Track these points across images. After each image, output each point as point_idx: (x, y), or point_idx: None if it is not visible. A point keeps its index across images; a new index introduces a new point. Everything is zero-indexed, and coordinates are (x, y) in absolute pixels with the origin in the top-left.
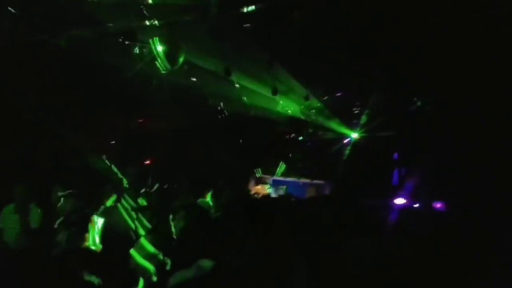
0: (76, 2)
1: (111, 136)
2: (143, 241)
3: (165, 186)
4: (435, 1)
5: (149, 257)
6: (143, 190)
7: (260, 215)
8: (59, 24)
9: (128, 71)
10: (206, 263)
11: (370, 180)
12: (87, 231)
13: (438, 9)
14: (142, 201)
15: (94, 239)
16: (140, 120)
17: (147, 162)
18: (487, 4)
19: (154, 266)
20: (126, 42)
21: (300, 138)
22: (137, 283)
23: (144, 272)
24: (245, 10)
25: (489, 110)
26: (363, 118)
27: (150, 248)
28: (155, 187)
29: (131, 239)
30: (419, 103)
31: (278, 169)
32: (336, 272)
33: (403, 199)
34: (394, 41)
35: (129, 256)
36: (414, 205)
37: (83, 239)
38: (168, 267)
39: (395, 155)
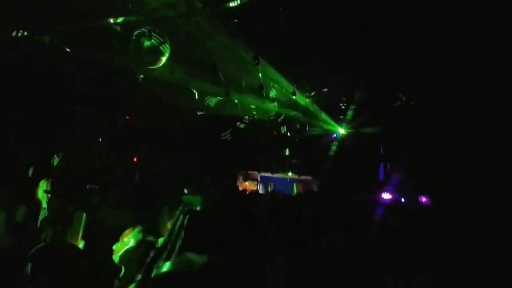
0: None
1: (98, 134)
2: (127, 236)
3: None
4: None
5: (133, 251)
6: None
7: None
8: (43, 21)
9: (113, 68)
10: (190, 257)
11: (356, 176)
12: (71, 228)
13: (423, 6)
14: (127, 198)
15: (78, 236)
16: (127, 118)
17: (135, 160)
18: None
19: (138, 260)
20: (111, 38)
21: (288, 134)
22: (120, 277)
23: (127, 266)
24: (230, 5)
25: (474, 105)
26: (349, 114)
27: (134, 243)
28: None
29: (116, 235)
30: (404, 99)
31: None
32: (315, 267)
33: (389, 194)
34: (380, 38)
35: (113, 251)
36: (400, 200)
37: (67, 236)
38: (152, 261)
39: (381, 150)
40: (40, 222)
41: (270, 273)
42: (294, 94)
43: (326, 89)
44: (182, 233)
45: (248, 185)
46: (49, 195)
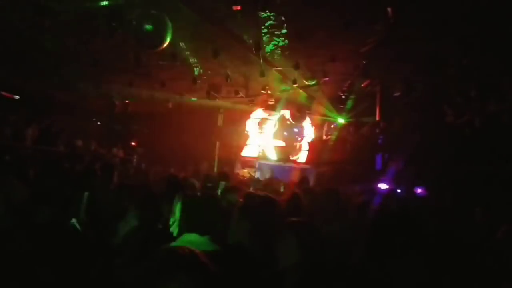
0: None
1: (97, 118)
2: (130, 215)
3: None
4: None
5: (135, 231)
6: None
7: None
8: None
9: (113, 51)
10: (192, 237)
11: (354, 164)
12: (71, 207)
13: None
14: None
15: (80, 216)
16: (127, 102)
17: (133, 143)
18: None
19: (140, 239)
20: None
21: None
22: (123, 256)
23: (131, 245)
24: None
25: (472, 97)
26: (349, 103)
27: (136, 222)
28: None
29: (118, 215)
30: (404, 89)
31: None
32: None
33: (386, 184)
34: (380, 25)
35: (116, 230)
36: (396, 191)
37: (67, 215)
38: (153, 242)
39: (380, 139)
40: (39, 203)
41: (279, 251)
42: (295, 82)
43: (326, 78)
44: (182, 216)
45: (247, 172)
46: (48, 175)
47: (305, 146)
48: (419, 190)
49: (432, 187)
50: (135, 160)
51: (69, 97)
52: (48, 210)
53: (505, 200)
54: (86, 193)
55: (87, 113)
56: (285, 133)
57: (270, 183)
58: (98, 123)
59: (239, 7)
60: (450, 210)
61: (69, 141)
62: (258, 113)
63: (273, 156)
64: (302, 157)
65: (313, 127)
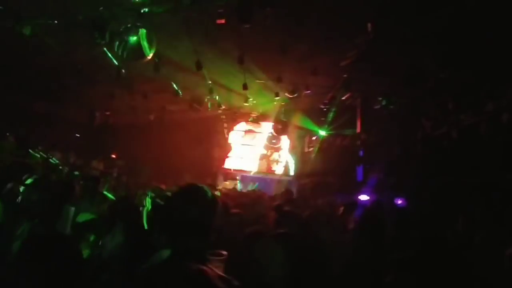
0: None
1: (76, 130)
2: (116, 230)
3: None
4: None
5: (121, 245)
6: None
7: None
8: (25, 11)
9: (95, 62)
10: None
11: (335, 176)
12: (52, 220)
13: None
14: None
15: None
16: (107, 113)
17: (114, 156)
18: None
19: (126, 254)
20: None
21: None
22: (108, 271)
23: (116, 260)
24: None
25: (449, 109)
26: (330, 116)
27: (122, 238)
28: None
29: (104, 229)
30: (384, 102)
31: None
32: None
33: (366, 195)
34: (361, 39)
35: (101, 244)
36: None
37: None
38: (138, 256)
39: (361, 151)
40: (17, 217)
41: (266, 262)
42: (277, 95)
43: (309, 91)
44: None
45: (229, 184)
46: (27, 189)
47: (283, 158)
48: (399, 201)
49: (411, 198)
50: (115, 173)
51: (47, 107)
52: (28, 224)
53: (482, 209)
54: (72, 208)
55: (66, 124)
56: (266, 145)
57: (257, 199)
58: (77, 135)
59: (223, 21)
60: (429, 219)
61: (47, 153)
62: (242, 125)
63: (254, 167)
64: (279, 169)
65: (294, 140)
